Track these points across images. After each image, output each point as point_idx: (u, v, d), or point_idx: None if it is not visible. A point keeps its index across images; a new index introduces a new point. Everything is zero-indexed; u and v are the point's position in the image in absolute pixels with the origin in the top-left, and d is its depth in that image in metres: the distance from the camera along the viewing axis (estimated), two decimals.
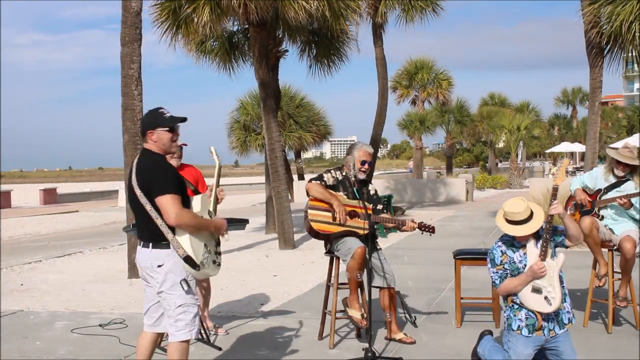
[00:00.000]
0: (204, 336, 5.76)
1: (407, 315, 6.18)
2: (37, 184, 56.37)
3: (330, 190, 5.61)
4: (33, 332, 6.34)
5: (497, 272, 4.63)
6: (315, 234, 5.63)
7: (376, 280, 5.63)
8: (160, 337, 4.36)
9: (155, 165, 4.06)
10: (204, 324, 5.81)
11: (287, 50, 14.35)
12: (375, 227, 5.58)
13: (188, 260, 3.99)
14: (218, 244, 4.36)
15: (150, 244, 4.05)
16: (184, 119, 4.21)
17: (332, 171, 5.78)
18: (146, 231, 4.07)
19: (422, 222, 5.70)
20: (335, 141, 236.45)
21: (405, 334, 5.81)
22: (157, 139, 4.11)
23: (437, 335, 5.88)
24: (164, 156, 4.16)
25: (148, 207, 3.97)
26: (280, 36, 14.08)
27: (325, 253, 5.85)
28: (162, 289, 4.05)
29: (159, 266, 4.03)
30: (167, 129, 4.13)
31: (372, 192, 5.89)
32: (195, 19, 11.24)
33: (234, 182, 57.70)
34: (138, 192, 4.01)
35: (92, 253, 12.34)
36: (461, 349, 5.51)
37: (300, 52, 15.34)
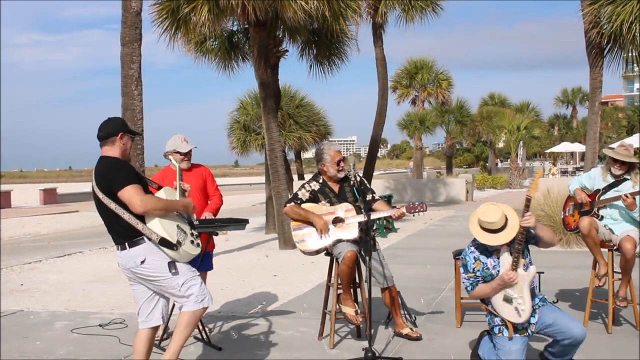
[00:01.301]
0: (204, 336, 5.76)
1: (407, 315, 6.19)
2: (37, 184, 56.36)
3: (306, 208, 5.60)
4: (33, 332, 6.34)
5: (469, 279, 4.70)
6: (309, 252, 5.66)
7: (377, 281, 5.64)
8: (154, 332, 4.38)
9: (111, 164, 4.20)
10: (199, 324, 5.80)
11: (287, 50, 14.36)
12: (374, 227, 5.58)
13: (164, 242, 4.08)
14: (192, 227, 4.42)
15: (127, 244, 4.15)
16: (139, 134, 4.66)
17: (306, 185, 5.77)
18: (119, 232, 4.17)
19: (410, 205, 5.54)
20: (335, 141, 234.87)
21: (411, 328, 5.86)
22: (125, 143, 4.31)
23: (437, 335, 5.88)
24: (116, 157, 4.28)
25: (113, 205, 4.08)
26: (280, 36, 14.08)
27: (325, 253, 5.85)
28: (157, 280, 4.17)
29: (142, 262, 4.13)
30: (132, 136, 4.40)
31: (353, 183, 5.67)
32: (194, 19, 11.23)
33: (234, 182, 57.70)
34: (100, 195, 4.12)
35: (92, 253, 12.34)
36: (461, 349, 5.51)
37: (300, 52, 15.36)
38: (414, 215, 5.59)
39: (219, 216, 6.22)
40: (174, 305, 5.95)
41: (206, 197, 6.24)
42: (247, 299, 7.78)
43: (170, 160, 5.78)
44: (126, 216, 4.06)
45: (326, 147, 5.78)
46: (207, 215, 6.04)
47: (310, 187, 5.73)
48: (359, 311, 5.60)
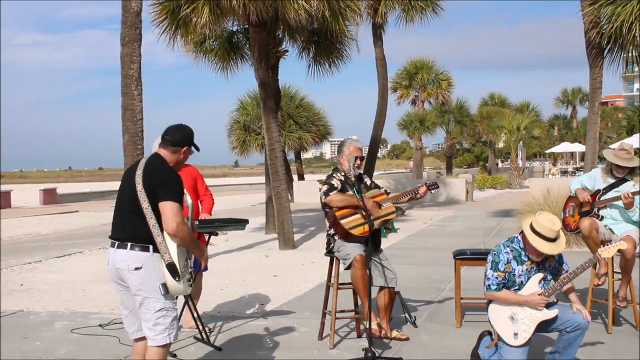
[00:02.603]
0: (204, 336, 5.76)
1: (407, 315, 6.19)
2: (37, 184, 56.34)
3: (348, 193, 5.64)
4: (33, 332, 6.34)
5: (497, 278, 4.63)
6: (356, 238, 5.57)
7: (377, 280, 5.64)
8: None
9: (169, 171, 4.10)
10: (199, 324, 5.80)
11: (287, 50, 14.37)
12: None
13: (171, 267, 3.95)
14: (192, 264, 4.32)
15: (129, 245, 4.00)
16: (199, 149, 4.39)
17: (334, 174, 5.77)
18: (128, 230, 4.03)
19: (427, 183, 5.76)
20: (335, 141, 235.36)
21: (397, 331, 5.83)
22: (185, 156, 4.24)
23: (437, 335, 5.88)
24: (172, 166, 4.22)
25: (145, 204, 3.94)
26: (280, 36, 14.08)
27: (326, 253, 5.85)
28: (140, 293, 4.00)
29: (137, 269, 3.98)
30: (192, 151, 4.32)
31: (368, 182, 5.90)
32: (195, 20, 11.22)
33: (233, 182, 57.70)
34: (139, 187, 3.98)
35: (92, 253, 12.33)
36: (461, 349, 5.51)
37: (300, 52, 15.36)
38: (432, 192, 5.77)
39: (217, 216, 6.22)
40: (182, 307, 5.95)
41: (197, 197, 6.21)
42: (247, 299, 7.78)
43: None
44: (152, 222, 3.93)
45: (348, 142, 5.82)
46: (205, 216, 6.04)
47: (339, 176, 5.74)
48: (380, 324, 5.69)
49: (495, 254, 4.69)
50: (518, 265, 4.63)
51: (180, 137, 4.21)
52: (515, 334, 4.52)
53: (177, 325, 4.14)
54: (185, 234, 3.97)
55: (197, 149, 4.38)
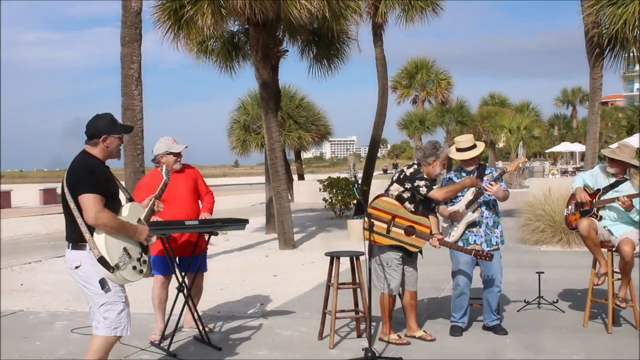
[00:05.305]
0: (204, 336, 5.76)
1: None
2: (37, 184, 56.31)
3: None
4: (33, 332, 6.34)
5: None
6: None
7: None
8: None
9: (86, 166, 4.15)
10: (199, 324, 5.79)
11: (287, 50, 14.34)
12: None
13: (102, 261, 4.03)
14: (145, 251, 4.32)
15: (70, 245, 4.15)
16: (131, 129, 4.45)
17: (420, 176, 5.78)
18: (68, 231, 4.17)
19: (478, 251, 5.72)
20: (335, 141, 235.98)
21: (424, 331, 5.88)
22: (109, 144, 4.23)
23: (437, 335, 5.88)
24: (103, 161, 4.24)
25: (72, 205, 4.06)
26: (280, 36, 14.06)
27: (326, 253, 5.85)
28: (86, 288, 4.14)
29: (76, 267, 4.11)
30: (119, 136, 4.28)
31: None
32: (199, 21, 11.18)
33: (234, 182, 57.70)
34: (66, 189, 4.10)
35: None
36: (461, 349, 5.51)
37: (301, 52, 15.34)
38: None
39: (218, 216, 6.21)
40: (173, 304, 5.96)
41: (197, 197, 6.21)
42: (247, 299, 7.78)
43: (162, 167, 5.69)
44: (79, 220, 4.04)
45: (443, 147, 5.86)
46: (205, 215, 6.02)
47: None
48: (401, 335, 5.79)
49: (444, 179, 6.08)
50: (458, 179, 5.96)
51: (94, 128, 4.22)
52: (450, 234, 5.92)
53: (126, 320, 4.20)
54: (106, 221, 4.04)
55: (125, 131, 4.39)
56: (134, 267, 4.18)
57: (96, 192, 4.04)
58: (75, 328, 6.41)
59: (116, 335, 4.19)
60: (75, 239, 4.11)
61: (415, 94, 38.70)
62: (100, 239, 4.05)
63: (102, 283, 4.10)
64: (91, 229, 4.05)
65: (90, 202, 4.01)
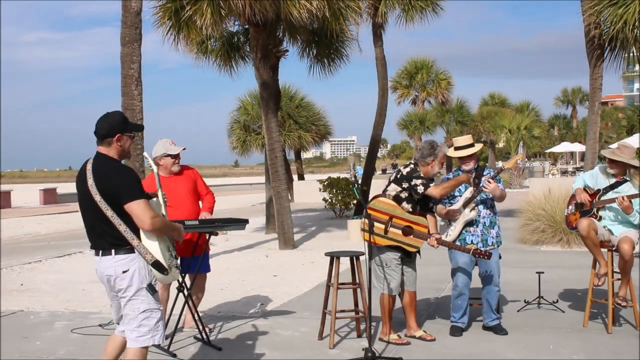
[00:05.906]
0: (204, 336, 5.76)
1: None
2: (37, 184, 56.33)
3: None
4: (33, 332, 6.34)
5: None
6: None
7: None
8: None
9: (118, 171, 4.00)
10: (199, 324, 5.79)
11: (287, 50, 14.34)
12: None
13: (157, 265, 3.93)
14: (174, 247, 4.28)
15: (113, 251, 3.97)
16: (141, 128, 4.23)
17: (418, 175, 5.77)
18: (105, 238, 3.98)
19: (477, 249, 5.71)
20: (335, 141, 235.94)
21: (424, 331, 5.88)
22: (123, 144, 4.09)
23: (437, 335, 5.88)
24: (120, 161, 4.11)
25: (110, 213, 3.89)
26: (280, 36, 14.07)
27: (326, 253, 5.85)
28: (126, 295, 3.98)
29: (124, 272, 3.95)
30: (131, 135, 4.16)
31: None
32: (198, 22, 11.18)
33: (234, 182, 57.71)
34: (98, 197, 3.90)
35: (92, 253, 12.31)
36: (461, 349, 5.52)
37: (301, 52, 15.35)
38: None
39: (218, 216, 6.22)
40: (173, 304, 5.96)
41: (197, 198, 6.21)
42: (247, 299, 7.78)
43: (158, 165, 5.68)
44: (122, 228, 3.88)
45: (441, 146, 5.84)
46: (205, 215, 6.02)
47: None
48: (401, 335, 5.79)
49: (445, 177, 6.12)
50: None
51: (107, 128, 4.05)
52: (447, 234, 5.94)
53: (162, 328, 4.10)
54: (161, 225, 3.96)
55: (137, 130, 4.30)
56: (176, 266, 4.17)
57: (142, 197, 3.92)
58: (75, 328, 6.41)
59: (152, 344, 4.07)
60: (118, 243, 3.93)
61: (415, 94, 38.73)
62: (152, 244, 3.94)
63: (152, 288, 3.99)
64: (137, 234, 3.93)
65: (142, 209, 3.86)
